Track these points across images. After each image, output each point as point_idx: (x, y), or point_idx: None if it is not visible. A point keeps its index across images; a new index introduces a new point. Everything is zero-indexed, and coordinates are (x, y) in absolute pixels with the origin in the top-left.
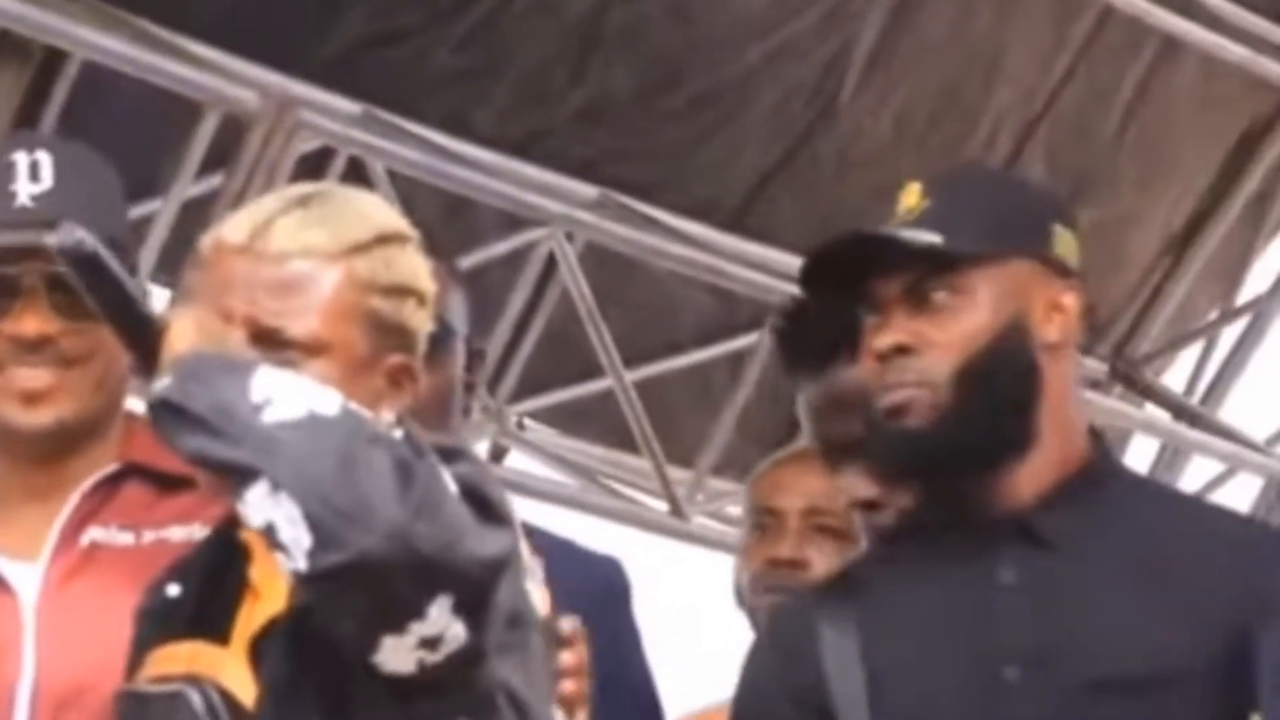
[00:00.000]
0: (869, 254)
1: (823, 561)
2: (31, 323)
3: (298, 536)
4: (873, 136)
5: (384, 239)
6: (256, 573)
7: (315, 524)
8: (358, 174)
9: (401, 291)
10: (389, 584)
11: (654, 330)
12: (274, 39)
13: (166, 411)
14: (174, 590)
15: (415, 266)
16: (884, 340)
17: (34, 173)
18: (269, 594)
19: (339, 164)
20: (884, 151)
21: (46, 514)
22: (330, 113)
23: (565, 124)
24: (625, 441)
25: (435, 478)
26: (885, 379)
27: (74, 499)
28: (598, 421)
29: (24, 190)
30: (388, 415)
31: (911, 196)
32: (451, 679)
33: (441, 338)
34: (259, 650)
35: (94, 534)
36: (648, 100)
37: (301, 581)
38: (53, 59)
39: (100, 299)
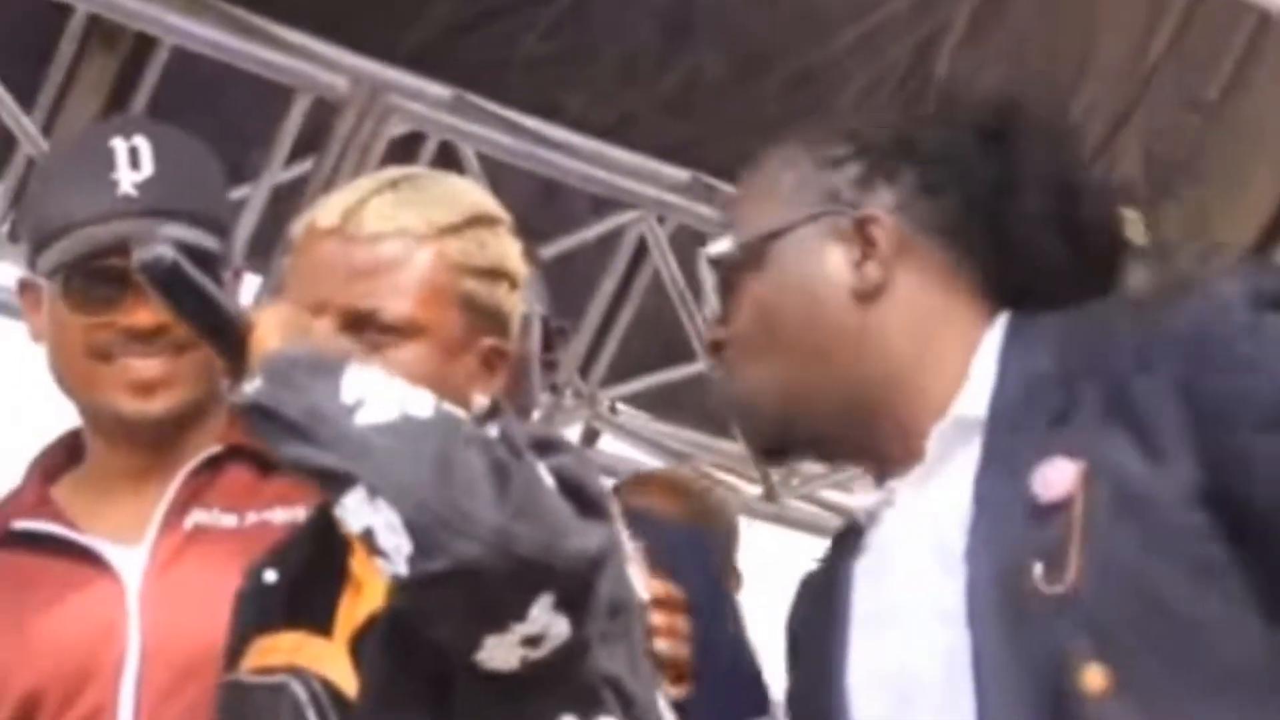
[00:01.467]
0: None
1: None
2: (145, 313)
3: (398, 543)
4: None
5: (476, 220)
6: (358, 563)
7: (415, 530)
8: (448, 159)
9: (494, 274)
10: (490, 587)
11: None
12: (364, 24)
13: (257, 415)
14: (271, 576)
15: (507, 249)
16: None
17: (134, 159)
18: (370, 587)
19: (430, 149)
20: None
21: (149, 497)
22: (421, 97)
23: (656, 107)
24: (718, 425)
25: (533, 477)
26: None
27: (177, 482)
28: (690, 405)
29: (126, 178)
30: (481, 399)
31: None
32: (554, 673)
33: None
34: (359, 646)
35: (197, 517)
36: (739, 83)
37: (402, 586)
38: (143, 46)
39: (183, 309)
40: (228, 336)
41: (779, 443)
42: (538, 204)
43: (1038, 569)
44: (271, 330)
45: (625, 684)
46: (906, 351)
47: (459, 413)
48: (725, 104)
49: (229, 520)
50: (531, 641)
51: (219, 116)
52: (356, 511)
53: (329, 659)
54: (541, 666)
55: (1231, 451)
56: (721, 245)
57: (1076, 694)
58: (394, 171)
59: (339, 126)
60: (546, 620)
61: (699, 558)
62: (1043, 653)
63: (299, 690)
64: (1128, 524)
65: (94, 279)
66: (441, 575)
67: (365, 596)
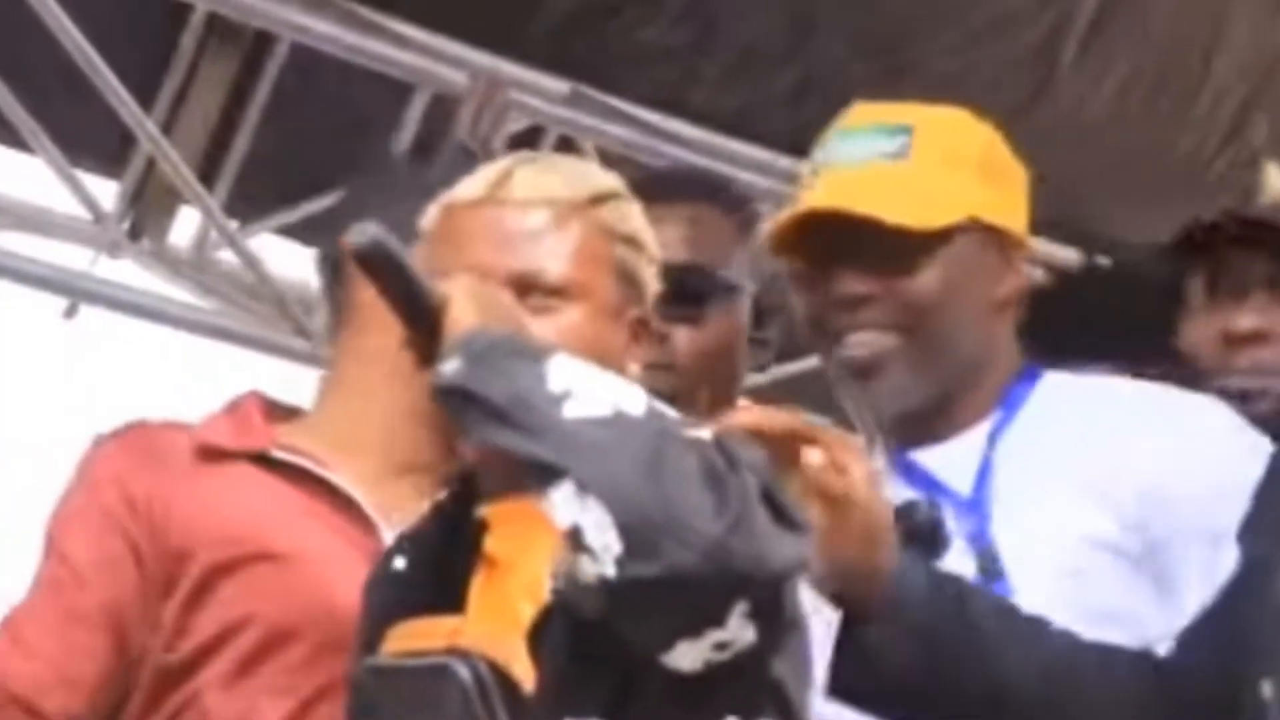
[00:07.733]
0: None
1: None
2: None
3: (607, 543)
4: (1093, 107)
5: (615, 193)
6: (498, 545)
7: (627, 532)
8: (567, 153)
9: (637, 244)
10: (695, 595)
11: None
12: (482, 19)
13: (457, 397)
14: (400, 563)
15: (643, 223)
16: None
17: None
18: (512, 566)
19: (549, 143)
20: (1104, 122)
21: None
22: (539, 92)
23: (777, 100)
24: (839, 416)
25: (747, 488)
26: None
27: None
28: (809, 397)
29: None
30: (634, 368)
31: None
32: (729, 675)
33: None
34: (538, 637)
35: None
36: (863, 73)
37: (606, 587)
38: (262, 42)
39: (392, 289)
40: (427, 313)
41: None
42: None
43: None
44: (466, 309)
45: (790, 693)
46: None
47: (669, 411)
48: (849, 94)
49: None
50: (720, 646)
51: (338, 113)
52: (564, 506)
53: (503, 642)
54: (720, 668)
55: None
56: None
57: None
58: (523, 155)
59: (458, 121)
60: (739, 628)
61: None
62: None
63: (463, 672)
64: None
65: None
66: (650, 581)
67: (501, 575)
